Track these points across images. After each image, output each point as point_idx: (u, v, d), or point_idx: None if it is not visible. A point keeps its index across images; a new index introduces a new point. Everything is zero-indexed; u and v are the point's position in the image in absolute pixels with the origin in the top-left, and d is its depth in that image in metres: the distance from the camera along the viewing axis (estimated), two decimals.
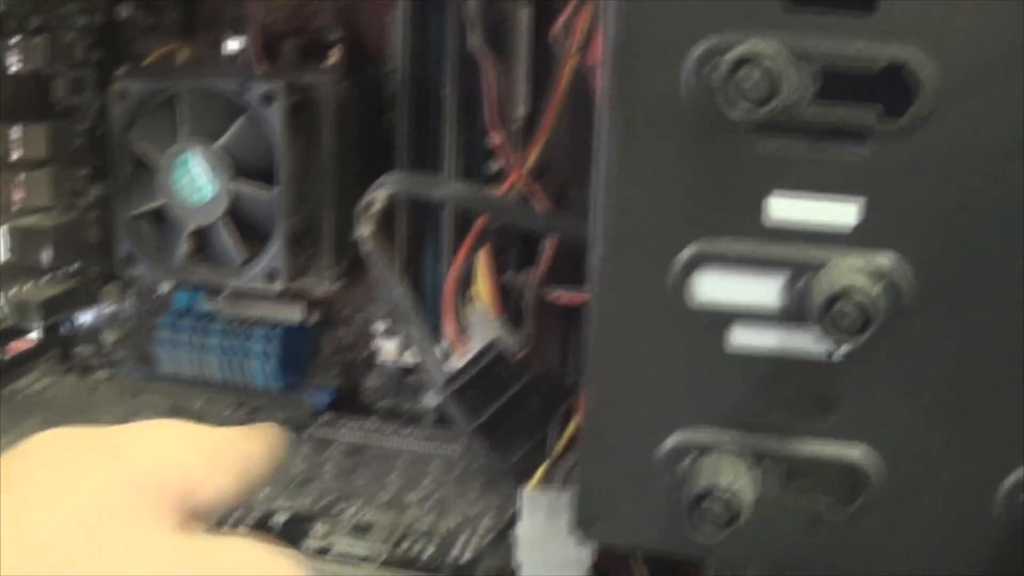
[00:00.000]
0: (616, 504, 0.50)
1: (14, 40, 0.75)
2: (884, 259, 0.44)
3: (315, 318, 0.76)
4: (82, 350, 0.86)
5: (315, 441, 0.75)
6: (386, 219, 0.65)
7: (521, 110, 0.69)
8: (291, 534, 0.63)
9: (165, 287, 0.81)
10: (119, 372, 0.84)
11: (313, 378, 0.80)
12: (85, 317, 0.84)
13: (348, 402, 0.79)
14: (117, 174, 0.69)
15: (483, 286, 0.66)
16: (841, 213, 0.45)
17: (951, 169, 0.43)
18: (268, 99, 0.65)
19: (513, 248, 0.70)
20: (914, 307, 0.45)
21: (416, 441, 0.75)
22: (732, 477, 0.46)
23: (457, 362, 0.63)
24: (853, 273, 0.43)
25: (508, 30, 0.69)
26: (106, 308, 0.84)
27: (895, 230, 0.44)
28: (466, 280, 0.67)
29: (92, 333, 0.85)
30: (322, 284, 0.71)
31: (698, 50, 0.44)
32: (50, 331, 0.85)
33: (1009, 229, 0.44)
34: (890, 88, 0.44)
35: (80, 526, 0.40)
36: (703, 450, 0.48)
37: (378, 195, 0.60)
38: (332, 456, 0.73)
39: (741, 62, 0.41)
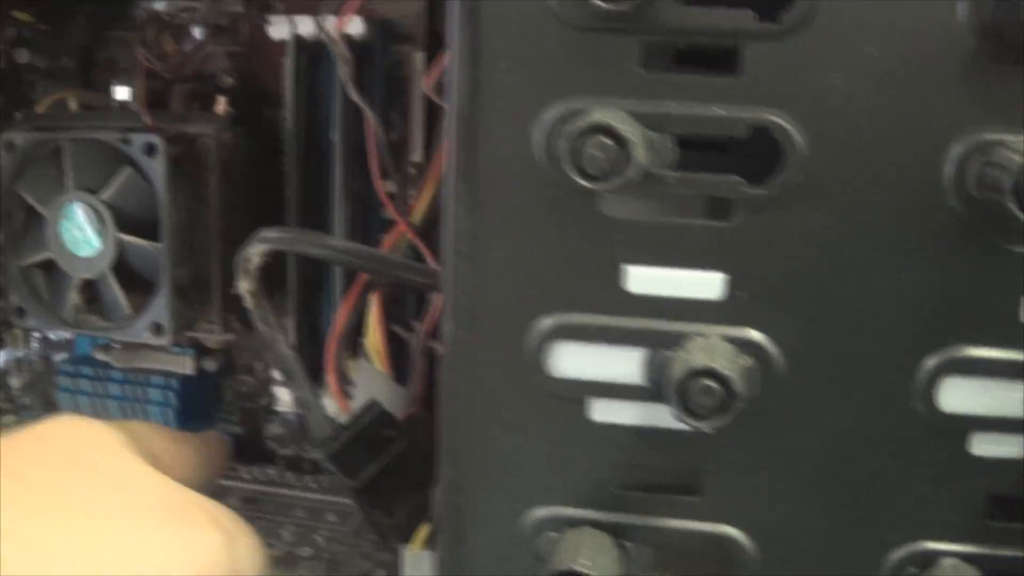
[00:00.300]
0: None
1: None
2: (750, 335, 0.40)
3: (214, 365, 0.71)
4: None
5: (212, 489, 0.70)
6: (278, 265, 0.61)
7: (417, 156, 0.64)
8: None
9: (67, 333, 0.75)
10: (26, 418, 0.78)
11: (216, 425, 0.74)
12: None
13: (250, 449, 0.73)
14: (8, 224, 0.63)
15: (373, 338, 0.61)
16: (704, 286, 0.40)
17: (819, 241, 0.40)
18: (150, 150, 0.59)
19: (407, 297, 0.65)
20: (782, 384, 0.40)
21: (314, 492, 0.70)
22: (591, 557, 0.41)
23: (341, 419, 0.58)
24: (714, 351, 0.38)
25: (403, 75, 0.63)
26: (12, 353, 0.78)
27: (761, 305, 0.40)
28: (358, 330, 0.62)
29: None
30: (213, 337, 0.65)
31: (549, 115, 0.39)
32: None
33: (880, 303, 0.39)
34: (767, 160, 0.39)
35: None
36: (566, 526, 0.43)
37: (255, 251, 0.55)
38: (229, 506, 0.68)
39: (587, 131, 0.36)
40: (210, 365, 0.72)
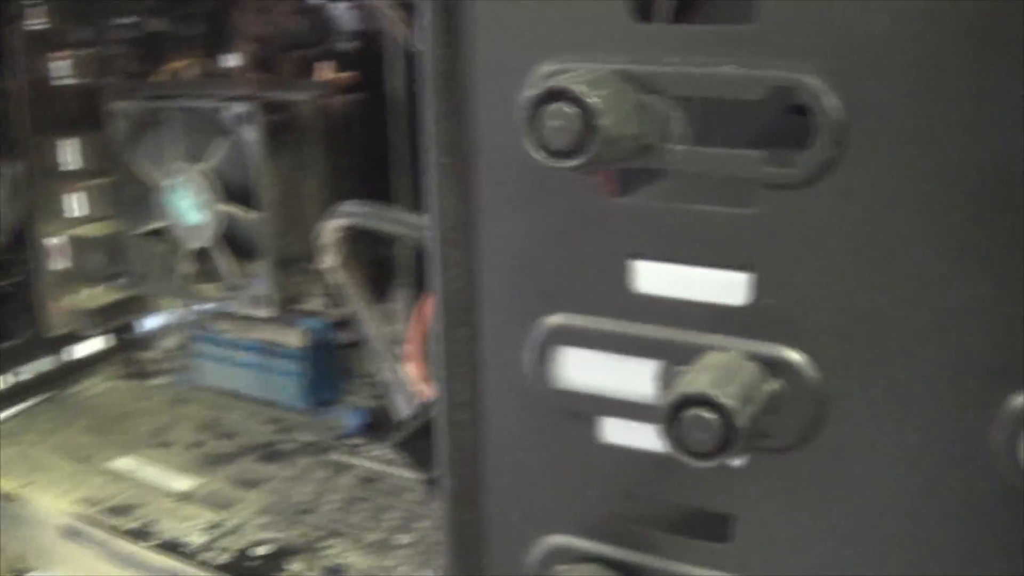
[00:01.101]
0: None
1: (63, 54, 0.66)
2: (780, 353, 0.29)
3: (346, 338, 0.64)
4: (147, 356, 0.77)
5: (333, 467, 0.64)
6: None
7: None
8: (264, 570, 0.54)
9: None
10: (173, 380, 0.75)
11: (349, 397, 0.68)
12: (152, 323, 0.75)
13: (381, 424, 0.67)
14: (123, 192, 0.59)
15: None
16: (725, 288, 0.30)
17: (862, 235, 0.28)
18: (243, 119, 0.53)
19: None
20: (821, 414, 0.29)
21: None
22: None
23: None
24: (725, 372, 0.28)
25: None
26: (167, 316, 0.74)
27: (794, 315, 0.29)
28: None
29: (156, 340, 0.76)
30: (331, 310, 0.59)
31: (535, 79, 0.30)
32: (119, 336, 0.76)
33: (947, 319, 0.28)
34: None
35: None
36: (577, 559, 0.34)
37: (328, 227, 0.48)
38: (342, 485, 0.62)
39: (545, 99, 0.27)
40: (342, 337, 0.66)
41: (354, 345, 0.66)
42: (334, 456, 0.66)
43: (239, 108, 0.54)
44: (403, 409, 0.51)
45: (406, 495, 0.61)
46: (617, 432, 0.33)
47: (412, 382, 0.52)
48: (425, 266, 0.56)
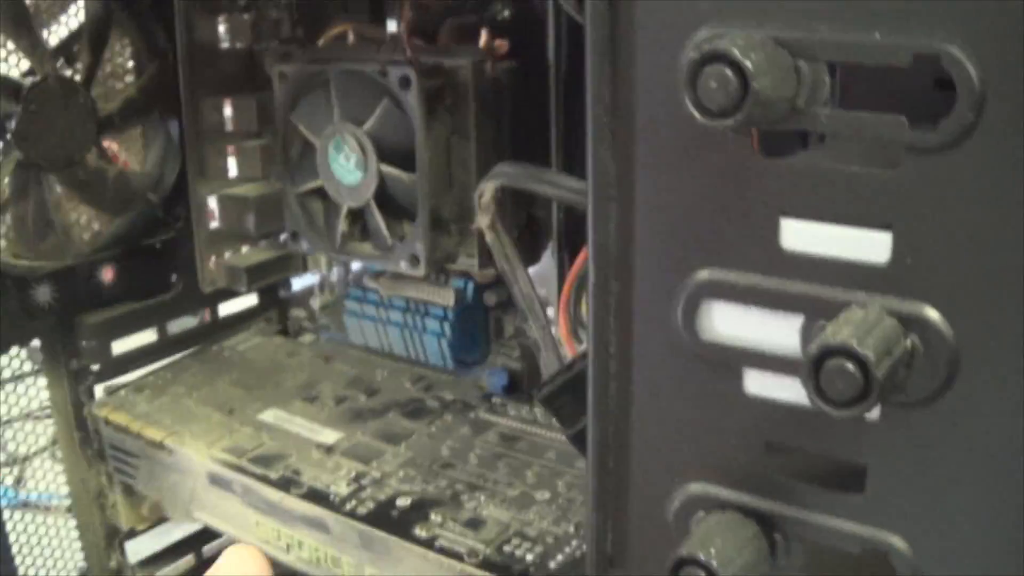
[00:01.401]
0: (630, 552, 0.41)
1: (223, 17, 0.71)
2: (919, 310, 0.32)
3: (494, 299, 0.68)
4: (296, 313, 0.82)
5: (475, 424, 0.68)
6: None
7: None
8: (407, 520, 0.58)
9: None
10: (322, 337, 0.80)
11: (496, 358, 0.72)
12: (304, 282, 0.80)
13: (528, 385, 0.71)
14: (286, 153, 0.63)
15: None
16: (869, 247, 0.33)
17: (1001, 197, 0.31)
18: (405, 83, 0.57)
19: None
20: (955, 371, 0.32)
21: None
22: (721, 549, 0.35)
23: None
24: (865, 326, 0.31)
25: None
26: (315, 275, 0.79)
27: (933, 274, 0.32)
28: None
29: (304, 298, 0.81)
30: (478, 271, 0.63)
31: (694, 43, 0.33)
32: (269, 294, 0.81)
33: None
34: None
35: None
36: (716, 508, 0.37)
37: (488, 186, 0.52)
38: (484, 441, 0.66)
39: (704, 61, 0.30)
40: (490, 299, 0.70)
41: (501, 306, 0.70)
42: (477, 414, 0.70)
43: (400, 71, 0.58)
44: (551, 367, 0.54)
45: (547, 453, 0.65)
46: (760, 384, 0.36)
47: (561, 336, 0.55)
48: (575, 229, 0.60)
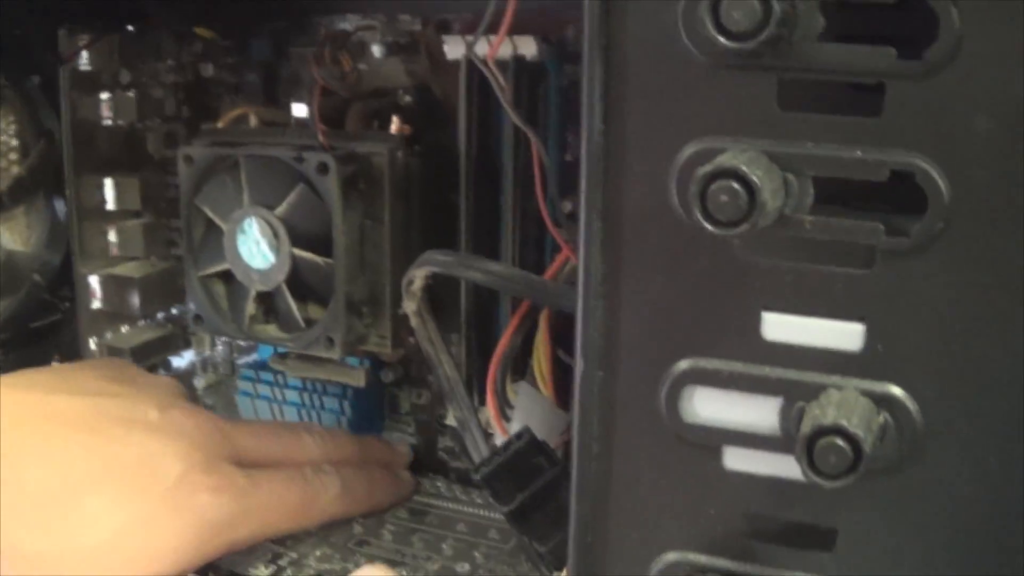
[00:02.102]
0: None
1: (106, 96, 0.72)
2: (888, 389, 0.37)
3: (391, 377, 0.71)
4: None
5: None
6: (453, 282, 0.61)
7: None
8: None
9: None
10: None
11: (391, 434, 0.75)
12: (182, 361, 0.81)
13: (424, 461, 0.74)
14: (189, 235, 0.65)
15: (539, 361, 0.60)
16: (843, 336, 0.38)
17: (962, 294, 0.36)
18: (323, 169, 0.60)
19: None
20: (920, 444, 0.38)
21: (479, 507, 0.70)
22: None
23: (499, 441, 0.58)
24: (846, 406, 0.36)
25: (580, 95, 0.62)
26: (199, 354, 0.80)
27: (901, 358, 0.37)
28: (525, 352, 0.61)
29: (186, 377, 0.82)
30: (386, 351, 0.66)
31: (683, 156, 0.37)
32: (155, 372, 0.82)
33: None
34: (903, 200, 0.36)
35: None
36: (697, 574, 0.41)
37: (418, 273, 0.56)
38: (395, 517, 0.69)
39: (716, 176, 0.35)
40: (387, 376, 0.73)
41: (397, 383, 0.73)
42: None
43: (318, 158, 0.61)
44: (477, 448, 0.58)
45: (457, 526, 0.68)
46: (739, 460, 0.41)
47: (490, 417, 0.59)
48: (482, 311, 0.64)
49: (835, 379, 0.38)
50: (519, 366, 0.63)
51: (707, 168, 0.35)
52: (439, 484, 0.73)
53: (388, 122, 0.66)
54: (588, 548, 0.44)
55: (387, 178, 0.63)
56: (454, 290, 0.65)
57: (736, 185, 0.35)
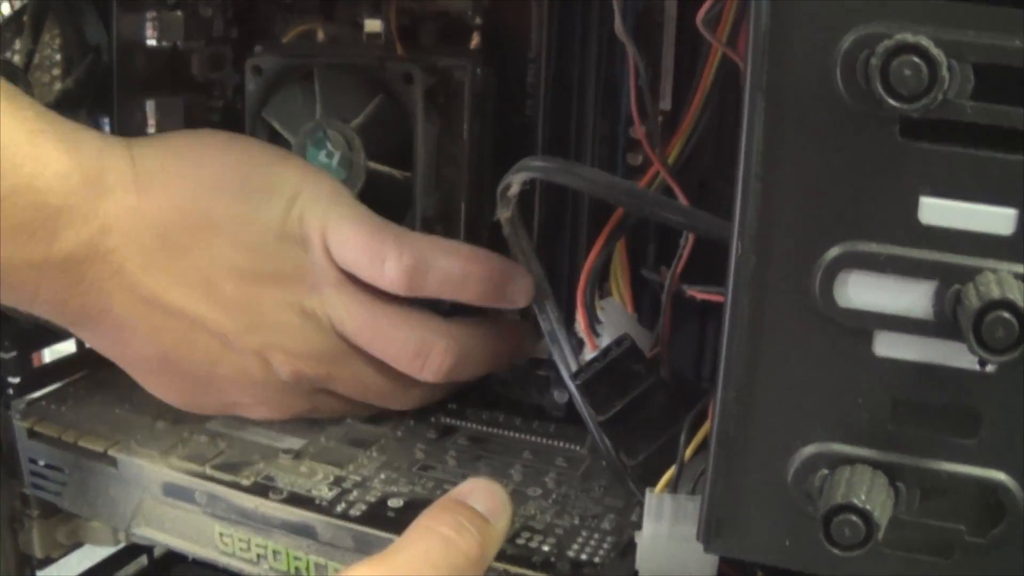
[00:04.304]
0: (744, 515, 0.48)
1: (151, 14, 0.74)
2: None
3: (447, 304, 0.74)
4: None
5: (440, 428, 0.74)
6: (526, 204, 0.64)
7: (665, 104, 0.67)
8: (404, 520, 0.59)
9: None
10: None
11: None
12: None
13: (477, 392, 0.77)
14: None
15: (619, 280, 0.64)
16: (998, 221, 0.42)
17: None
18: (406, 79, 0.63)
19: (653, 243, 0.68)
20: None
21: (541, 436, 0.73)
22: (869, 493, 0.43)
23: (588, 354, 0.61)
24: (1007, 285, 0.40)
25: (653, 22, 0.66)
26: None
27: None
28: (603, 273, 0.64)
29: None
30: None
31: (848, 40, 0.41)
32: None
33: None
34: None
35: None
36: (839, 463, 0.45)
37: (516, 178, 0.59)
38: (455, 444, 0.72)
39: (898, 51, 0.38)
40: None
41: (455, 308, 0.76)
42: (438, 419, 0.76)
43: (403, 68, 0.64)
44: (566, 359, 0.61)
45: (523, 453, 0.71)
46: (890, 345, 0.45)
47: (582, 329, 0.62)
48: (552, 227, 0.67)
49: (990, 263, 0.42)
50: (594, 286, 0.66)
51: (889, 43, 0.39)
52: (498, 415, 0.76)
53: (457, 42, 0.68)
54: (730, 439, 0.47)
55: (467, 92, 0.66)
56: (526, 212, 0.68)
57: (918, 59, 0.39)
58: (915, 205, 0.43)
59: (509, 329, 0.73)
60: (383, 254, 0.63)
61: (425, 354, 0.67)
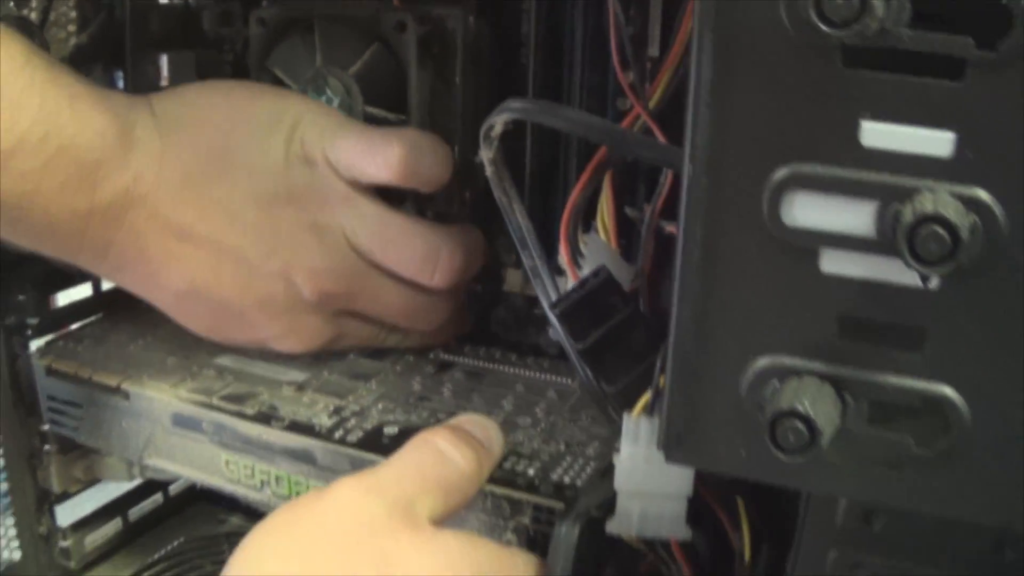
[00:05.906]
0: (702, 428, 0.50)
1: None
2: (976, 193, 0.43)
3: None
4: None
5: (438, 363, 0.77)
6: (518, 148, 0.66)
7: (653, 50, 0.69)
8: (398, 445, 0.61)
9: None
10: None
11: None
12: None
13: (477, 332, 0.80)
14: None
15: (605, 216, 0.66)
16: (935, 144, 0.44)
17: None
18: (400, 28, 0.66)
19: (641, 183, 0.70)
20: (1004, 246, 0.43)
21: (535, 371, 0.76)
22: (815, 402, 0.45)
23: (570, 286, 0.63)
24: (942, 202, 0.42)
25: None
26: None
27: (988, 165, 0.43)
28: (591, 210, 0.67)
29: None
30: (450, 211, 0.72)
31: None
32: None
33: None
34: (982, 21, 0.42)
35: None
36: (789, 375, 0.47)
37: (498, 119, 0.61)
38: (451, 378, 0.75)
39: None
40: None
41: None
42: (436, 355, 0.79)
43: (396, 16, 0.67)
44: (548, 292, 0.63)
45: (516, 386, 0.74)
46: (834, 263, 0.47)
47: (564, 262, 0.65)
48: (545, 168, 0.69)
49: (928, 182, 0.44)
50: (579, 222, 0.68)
51: None
52: (494, 352, 0.79)
53: None
54: (685, 353, 0.49)
55: (460, 41, 0.68)
56: (518, 156, 0.70)
57: None
58: (856, 128, 0.45)
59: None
60: (376, 148, 0.68)
61: (434, 259, 0.72)
